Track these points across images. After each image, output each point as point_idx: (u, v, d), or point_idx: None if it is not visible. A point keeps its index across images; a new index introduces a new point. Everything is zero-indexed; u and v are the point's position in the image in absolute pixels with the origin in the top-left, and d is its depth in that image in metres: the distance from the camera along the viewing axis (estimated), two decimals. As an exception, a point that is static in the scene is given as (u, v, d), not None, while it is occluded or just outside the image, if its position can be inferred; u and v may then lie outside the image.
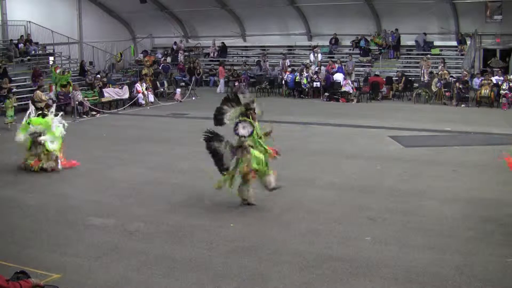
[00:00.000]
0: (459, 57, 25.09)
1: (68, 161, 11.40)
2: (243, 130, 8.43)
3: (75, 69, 26.19)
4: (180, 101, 23.88)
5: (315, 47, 26.61)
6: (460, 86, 21.02)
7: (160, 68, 27.92)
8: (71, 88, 20.74)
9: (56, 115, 11.67)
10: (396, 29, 26.05)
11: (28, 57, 24.00)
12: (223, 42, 30.44)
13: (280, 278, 6.17)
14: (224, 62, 28.63)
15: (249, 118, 8.53)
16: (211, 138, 8.60)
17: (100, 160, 12.05)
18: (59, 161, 11.16)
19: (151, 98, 23.17)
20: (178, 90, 24.62)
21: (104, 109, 21.40)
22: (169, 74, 27.24)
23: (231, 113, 8.65)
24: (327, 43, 28.14)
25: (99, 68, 26.99)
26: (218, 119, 8.73)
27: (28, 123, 11.29)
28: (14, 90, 20.46)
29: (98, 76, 23.25)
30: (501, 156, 8.74)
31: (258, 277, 6.22)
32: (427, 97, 22.06)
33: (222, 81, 27.10)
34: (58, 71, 22.25)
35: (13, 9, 24.87)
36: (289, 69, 25.51)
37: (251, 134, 8.41)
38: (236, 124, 8.51)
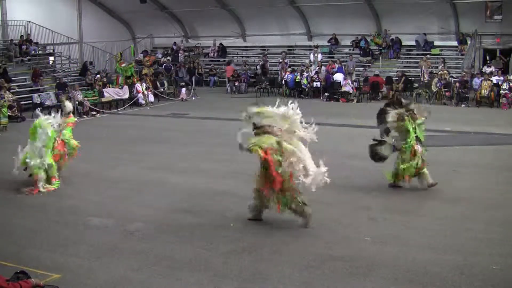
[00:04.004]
0: (459, 57, 25.08)
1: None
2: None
3: (75, 69, 26.21)
4: (185, 99, 23.98)
5: (316, 47, 26.60)
6: (457, 85, 21.08)
7: (163, 67, 27.93)
8: (135, 79, 23.26)
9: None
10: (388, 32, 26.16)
11: (28, 57, 24.01)
12: (221, 43, 30.43)
13: (280, 278, 6.17)
14: (231, 62, 28.59)
15: (410, 118, 9.46)
16: (376, 145, 9.91)
17: (100, 160, 12.05)
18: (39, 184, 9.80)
19: (151, 98, 23.19)
20: (183, 89, 24.74)
21: (104, 109, 21.40)
22: (170, 74, 27.22)
23: (392, 113, 9.58)
24: (327, 43, 28.13)
25: (99, 68, 26.98)
26: (381, 117, 9.94)
27: None
28: (14, 90, 20.46)
29: (98, 76, 23.26)
30: None
31: (258, 277, 6.22)
32: (427, 97, 22.05)
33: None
34: (123, 65, 23.82)
35: (13, 9, 24.86)
36: (289, 69, 25.52)
37: None
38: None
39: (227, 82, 27.16)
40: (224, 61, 29.28)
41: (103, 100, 21.63)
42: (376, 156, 9.92)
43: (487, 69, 22.49)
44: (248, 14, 29.64)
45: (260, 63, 27.50)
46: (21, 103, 19.94)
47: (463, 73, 21.97)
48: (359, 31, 27.11)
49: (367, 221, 8.04)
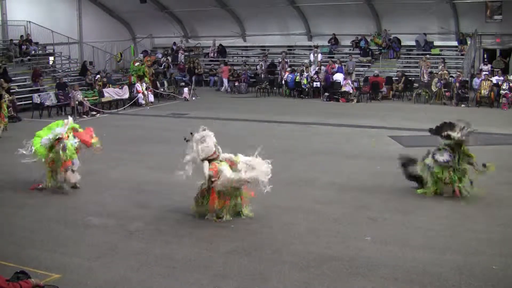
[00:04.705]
0: (459, 57, 25.10)
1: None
2: (441, 157, 9.10)
3: (75, 69, 26.21)
4: (188, 99, 24.02)
5: (316, 47, 26.63)
6: (457, 85, 21.11)
7: (162, 67, 27.94)
8: (146, 79, 23.39)
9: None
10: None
11: (28, 57, 24.01)
12: (221, 44, 30.44)
13: (280, 278, 6.17)
14: (227, 62, 28.66)
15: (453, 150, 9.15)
16: (406, 164, 9.64)
17: (100, 160, 12.02)
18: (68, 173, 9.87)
19: (151, 98, 23.20)
20: (186, 89, 24.84)
21: (104, 109, 21.40)
22: (170, 74, 27.25)
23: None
24: (327, 43, 28.15)
25: (99, 68, 27.00)
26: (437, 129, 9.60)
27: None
28: (14, 90, 20.43)
29: (98, 76, 23.27)
30: None
31: (258, 277, 6.22)
32: (427, 97, 22.06)
33: (226, 80, 27.16)
34: (136, 64, 24.07)
35: (13, 9, 24.86)
36: (288, 69, 25.55)
37: (447, 162, 9.08)
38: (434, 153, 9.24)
39: (226, 82, 27.15)
40: (224, 61, 29.29)
41: (103, 100, 21.62)
42: (411, 176, 9.60)
43: (484, 67, 22.54)
44: (248, 14, 29.64)
45: (267, 63, 27.46)
46: (21, 103, 19.96)
47: (458, 73, 22.02)
48: (359, 31, 27.11)
49: (367, 221, 8.04)
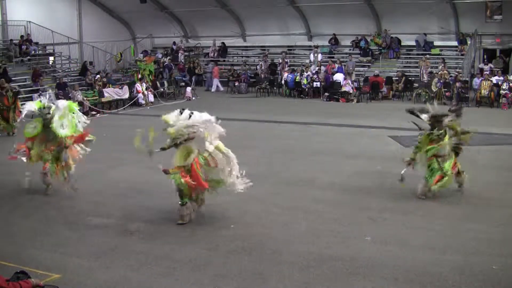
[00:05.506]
0: (459, 57, 25.08)
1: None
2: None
3: (75, 69, 26.20)
4: (190, 99, 24.05)
5: (316, 47, 26.62)
6: (458, 85, 21.10)
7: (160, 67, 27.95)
8: (148, 79, 23.75)
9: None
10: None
11: (28, 57, 24.01)
12: (223, 42, 30.44)
13: (280, 278, 6.18)
14: (217, 62, 28.70)
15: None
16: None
17: (100, 160, 12.03)
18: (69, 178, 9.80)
19: (151, 98, 23.20)
20: (188, 88, 24.86)
21: (104, 109, 21.40)
22: (170, 73, 27.25)
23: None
24: (327, 43, 28.16)
25: (99, 68, 26.98)
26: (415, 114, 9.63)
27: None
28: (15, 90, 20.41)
29: (98, 76, 23.26)
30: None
31: (258, 277, 6.22)
32: (427, 97, 22.05)
33: (216, 80, 27.14)
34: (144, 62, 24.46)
35: (13, 9, 24.85)
36: (287, 68, 25.52)
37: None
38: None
39: (216, 82, 27.17)
40: (224, 61, 29.27)
41: (103, 100, 21.62)
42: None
43: (485, 67, 22.53)
44: (248, 14, 29.63)
45: (267, 63, 27.43)
46: (21, 103, 19.90)
47: (456, 73, 22.03)
48: (359, 31, 27.09)
49: (367, 221, 8.04)
